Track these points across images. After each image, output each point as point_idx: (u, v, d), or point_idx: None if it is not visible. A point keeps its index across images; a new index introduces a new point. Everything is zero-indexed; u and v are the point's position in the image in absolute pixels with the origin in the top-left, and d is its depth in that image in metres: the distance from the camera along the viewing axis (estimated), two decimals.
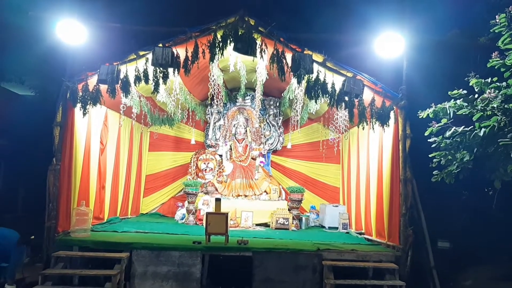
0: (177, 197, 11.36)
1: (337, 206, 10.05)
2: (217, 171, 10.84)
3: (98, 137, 8.40)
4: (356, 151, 9.45)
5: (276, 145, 11.39)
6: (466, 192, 8.32)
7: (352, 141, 9.89)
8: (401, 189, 6.86)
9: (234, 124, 11.25)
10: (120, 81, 6.84)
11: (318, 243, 7.31)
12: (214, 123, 11.38)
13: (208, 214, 7.01)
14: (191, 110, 10.40)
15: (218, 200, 7.16)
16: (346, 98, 6.81)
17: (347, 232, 9.23)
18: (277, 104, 11.32)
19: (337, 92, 6.82)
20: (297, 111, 8.08)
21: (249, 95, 11.07)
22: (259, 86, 7.86)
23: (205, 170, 10.91)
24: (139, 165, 11.03)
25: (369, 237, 8.18)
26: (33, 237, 7.26)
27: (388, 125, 6.92)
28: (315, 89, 6.73)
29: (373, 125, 7.05)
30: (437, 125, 5.94)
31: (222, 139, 11.21)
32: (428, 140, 5.99)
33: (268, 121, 11.40)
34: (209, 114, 11.41)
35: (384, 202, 7.48)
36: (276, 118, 11.44)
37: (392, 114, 6.96)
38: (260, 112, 11.11)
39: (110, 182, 9.11)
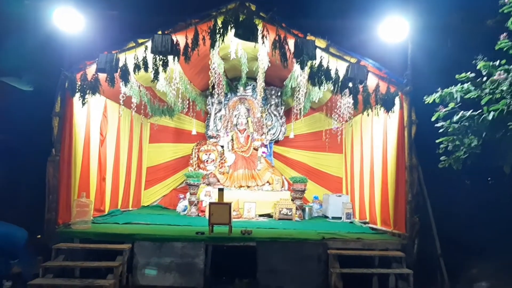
0: (178, 189, 11.24)
1: (340, 196, 9.96)
2: (219, 162, 10.71)
3: (97, 128, 8.27)
4: (360, 140, 9.32)
5: (278, 135, 11.24)
6: (468, 182, 8.18)
7: (355, 130, 9.75)
8: (407, 176, 6.75)
9: (236, 115, 11.09)
10: (119, 70, 6.70)
11: (322, 232, 7.20)
12: (215, 113, 11.22)
13: (211, 204, 6.89)
14: (191, 101, 10.23)
15: (221, 190, 7.04)
16: (350, 85, 6.68)
17: (351, 222, 9.16)
18: (279, 93, 11.14)
19: (340, 78, 6.68)
20: (299, 99, 7.92)
21: (250, 85, 10.93)
22: (261, 73, 7.69)
23: (207, 161, 10.77)
24: (140, 156, 10.91)
25: (374, 226, 8.09)
26: (39, 236, 7.15)
27: (393, 112, 6.79)
28: (318, 76, 6.60)
29: (377, 112, 6.91)
30: (444, 110, 5.81)
31: (223, 130, 11.06)
32: (436, 125, 5.86)
33: (269, 111, 11.23)
34: (209, 104, 11.25)
35: (389, 190, 7.37)
36: (278, 108, 11.27)
37: (397, 100, 6.84)
38: (261, 102, 10.93)
39: (110, 174, 9.00)
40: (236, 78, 10.74)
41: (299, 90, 7.94)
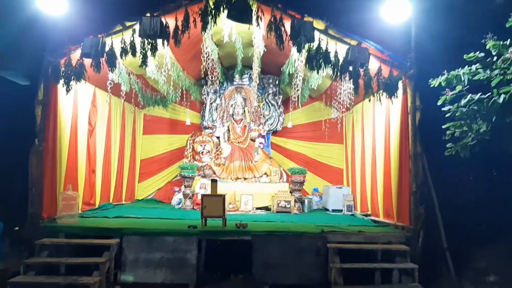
0: (173, 182, 10.89)
1: (341, 187, 9.67)
2: (215, 153, 10.39)
3: (86, 118, 7.91)
4: (361, 129, 8.97)
5: (276, 125, 10.94)
6: (472, 175, 7.83)
7: (356, 119, 9.40)
8: (411, 165, 6.41)
9: (232, 104, 10.78)
10: (105, 54, 6.34)
11: (322, 225, 6.88)
12: (211, 103, 10.87)
13: (203, 196, 6.54)
14: (185, 90, 9.84)
15: (214, 181, 6.70)
16: (351, 68, 6.31)
17: (352, 214, 8.86)
18: (276, 82, 10.79)
19: (340, 61, 6.30)
20: (297, 85, 7.54)
21: (247, 73, 10.52)
22: (256, 58, 7.31)
23: (202, 152, 10.44)
24: (133, 148, 10.58)
25: (376, 219, 7.77)
26: (17, 228, 6.80)
27: (396, 97, 6.42)
28: (316, 59, 6.22)
29: (380, 97, 6.54)
30: (451, 93, 5.46)
31: (219, 120, 10.70)
32: (443, 109, 5.50)
33: (267, 100, 10.91)
34: (205, 94, 10.91)
35: (392, 180, 7.03)
36: (276, 97, 10.94)
37: (400, 85, 6.47)
38: (258, 91, 10.61)
39: (101, 166, 8.66)
40: (232, 66, 10.33)
41: (297, 77, 7.56)
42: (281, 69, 8.56)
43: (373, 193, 8.12)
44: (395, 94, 6.38)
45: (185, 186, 9.29)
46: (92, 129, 8.15)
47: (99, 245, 6.03)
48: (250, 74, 10.26)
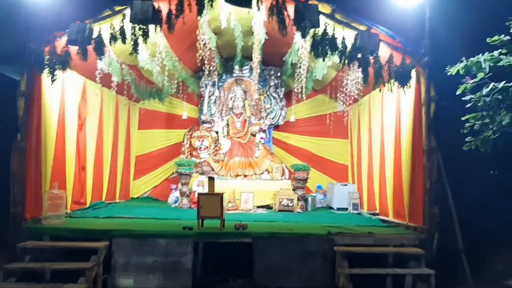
0: (170, 179, 10.42)
1: (346, 185, 9.30)
2: (213, 149, 9.94)
3: (75, 111, 7.42)
4: (368, 123, 8.52)
5: (278, 119, 10.51)
6: (492, 171, 7.31)
7: (362, 112, 8.95)
8: (425, 161, 5.92)
9: (231, 97, 10.33)
10: (92, 41, 5.84)
11: (328, 225, 6.42)
12: (209, 96, 10.39)
13: (200, 195, 6.05)
14: (181, 81, 9.33)
15: (211, 179, 6.21)
16: (359, 56, 5.80)
17: (359, 213, 8.48)
18: (278, 74, 10.35)
19: (348, 48, 5.79)
20: (301, 75, 7.04)
21: (247, 65, 9.99)
22: (256, 45, 6.79)
23: (200, 148, 9.98)
24: (127, 144, 10.11)
25: (385, 218, 7.31)
26: None
27: (409, 86, 5.92)
28: (322, 45, 5.73)
29: (391, 87, 6.03)
30: (472, 81, 4.94)
31: (218, 114, 10.25)
32: (463, 99, 5.00)
33: (268, 93, 10.46)
34: (203, 86, 10.44)
35: (404, 177, 6.55)
36: (278, 90, 10.49)
37: (413, 73, 5.96)
38: (259, 84, 10.23)
39: (92, 163, 8.17)
40: (231, 58, 9.80)
41: (300, 66, 7.06)
42: (283, 59, 8.05)
43: (382, 191, 7.65)
44: (408, 84, 5.87)
45: (182, 184, 8.89)
46: (82, 123, 7.66)
47: (86, 249, 5.55)
48: (251, 65, 9.78)
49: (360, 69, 5.98)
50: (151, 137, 10.68)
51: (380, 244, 5.75)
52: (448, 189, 6.22)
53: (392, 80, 5.94)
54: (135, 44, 5.79)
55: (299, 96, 8.05)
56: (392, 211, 7.11)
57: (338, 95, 8.12)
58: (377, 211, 7.92)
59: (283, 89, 10.52)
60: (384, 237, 5.83)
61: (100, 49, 5.88)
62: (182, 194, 8.81)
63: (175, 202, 9.11)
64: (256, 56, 6.90)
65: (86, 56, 5.84)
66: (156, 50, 6.75)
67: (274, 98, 10.48)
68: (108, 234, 5.72)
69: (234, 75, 10.42)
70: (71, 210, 7.24)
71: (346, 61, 5.83)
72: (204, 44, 7.26)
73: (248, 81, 10.35)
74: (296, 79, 7.66)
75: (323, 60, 5.97)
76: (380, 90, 6.11)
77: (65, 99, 6.98)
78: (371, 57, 5.79)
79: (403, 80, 5.89)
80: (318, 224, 6.70)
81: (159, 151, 10.70)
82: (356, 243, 5.73)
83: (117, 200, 9.51)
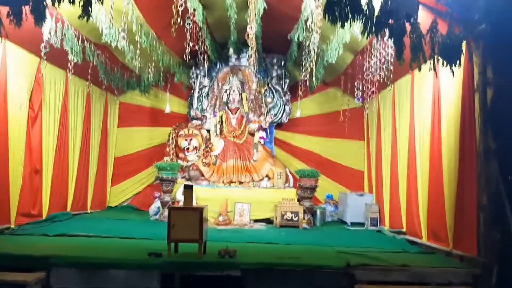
0: (154, 185, 9.10)
1: (362, 195, 8.25)
2: (203, 150, 8.66)
3: (24, 100, 5.96)
4: (391, 119, 7.14)
5: (281, 116, 9.40)
6: None
7: (383, 107, 7.62)
8: (480, 167, 4.43)
9: (226, 90, 9.19)
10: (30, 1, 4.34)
11: (345, 251, 5.00)
12: (200, 88, 9.18)
13: (171, 210, 4.52)
14: (162, 66, 7.83)
15: (188, 188, 4.70)
16: (391, 22, 4.24)
17: (379, 231, 7.20)
18: (282, 63, 9.27)
19: (376, 12, 4.25)
20: (310, 58, 5.54)
21: (245, 52, 8.62)
22: (253, 15, 5.24)
23: (187, 149, 8.74)
24: (104, 144, 8.84)
25: (416, 240, 5.87)
26: None
27: (460, 64, 4.37)
28: (340, 6, 4.16)
29: (433, 66, 4.49)
30: None
31: (210, 110, 9.06)
32: None
33: (270, 85, 9.32)
34: (193, 77, 9.27)
35: (446, 187, 5.10)
36: (281, 82, 9.38)
37: (463, 48, 4.43)
38: (259, 74, 9.01)
39: (50, 165, 6.76)
40: (226, 42, 8.38)
41: (309, 45, 5.57)
42: (289, 37, 6.54)
43: (411, 204, 6.22)
44: (458, 61, 4.32)
45: (164, 192, 7.60)
46: (35, 115, 6.21)
47: (11, 284, 4.01)
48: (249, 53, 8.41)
49: (390, 43, 4.46)
50: (133, 136, 9.56)
51: (418, 281, 4.19)
52: (508, 206, 4.63)
53: (436, 57, 4.39)
54: (87, 3, 4.28)
55: (307, 84, 6.61)
56: (426, 232, 5.65)
57: (356, 83, 6.63)
58: (403, 229, 6.49)
59: (287, 81, 9.44)
60: (423, 271, 4.26)
61: (39, 12, 4.34)
62: (164, 204, 7.47)
63: (156, 213, 7.78)
64: (253, 27, 5.33)
65: (20, 20, 4.32)
66: (122, 21, 5.24)
67: (277, 91, 9.37)
68: (45, 262, 4.27)
69: (230, 63, 9.33)
70: (17, 225, 5.83)
71: (373, 29, 4.26)
72: (188, 17, 5.77)
73: (246, 71, 9.16)
74: (303, 65, 6.20)
75: (342, 26, 4.42)
76: (420, 69, 4.59)
77: (8, 84, 5.51)
78: (407, 24, 4.24)
79: (451, 56, 4.34)
80: (330, 248, 5.33)
81: (142, 153, 9.57)
82: (386, 279, 4.18)
83: (89, 210, 8.19)
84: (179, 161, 8.51)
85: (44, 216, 6.58)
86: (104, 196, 8.93)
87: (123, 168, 9.40)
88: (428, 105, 5.58)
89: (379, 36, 4.45)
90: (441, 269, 4.35)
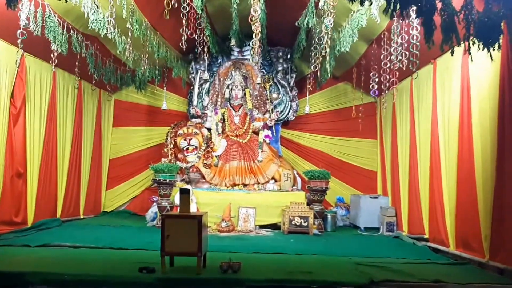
0: (152, 189, 8.64)
1: (376, 197, 7.78)
2: (204, 150, 8.13)
3: (4, 96, 5.43)
4: (409, 114, 6.57)
5: (288, 113, 8.90)
6: None
7: (400, 101, 7.02)
8: None
9: (228, 85, 8.71)
10: None
11: (364, 263, 4.36)
12: (200, 84, 8.67)
13: (165, 218, 3.93)
14: (157, 58, 7.32)
15: (184, 193, 4.12)
16: None
17: (396, 237, 6.66)
18: (288, 56, 8.76)
19: None
20: (320, 42, 4.97)
21: (248, 45, 8.04)
22: None
23: (187, 149, 8.22)
24: (97, 144, 8.34)
25: (441, 248, 5.32)
26: None
27: (499, 46, 3.77)
28: None
29: (469, 49, 3.90)
30: None
31: (211, 107, 8.57)
32: None
33: (276, 80, 8.81)
34: (193, 72, 8.76)
35: (479, 190, 4.51)
36: (287, 76, 8.85)
37: (502, 28, 3.86)
38: (264, 68, 8.53)
39: (35, 168, 6.23)
40: (228, 35, 7.82)
41: (319, 32, 4.99)
42: (297, 24, 5.97)
43: (434, 208, 5.62)
44: (498, 43, 3.72)
45: (161, 196, 7.05)
46: (17, 113, 5.67)
47: None
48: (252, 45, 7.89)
49: (415, 23, 3.86)
50: (129, 136, 9.16)
51: None
52: None
53: (471, 38, 3.79)
54: None
55: (316, 82, 6.11)
56: (454, 239, 5.04)
57: (371, 74, 6.03)
58: (426, 235, 5.90)
59: (294, 75, 8.94)
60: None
61: None
62: (162, 209, 6.91)
63: (153, 219, 7.25)
64: (257, 10, 4.73)
65: None
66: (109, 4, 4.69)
67: (283, 86, 8.84)
68: (21, 279, 3.72)
69: (232, 57, 8.88)
70: (1, 233, 5.32)
71: (398, 7, 3.68)
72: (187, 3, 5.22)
73: (249, 65, 8.67)
74: (313, 55, 5.62)
75: (361, 4, 3.82)
76: (452, 53, 4.01)
77: None
78: (437, 1, 3.65)
79: (488, 38, 3.74)
80: (346, 259, 4.74)
81: (139, 153, 9.15)
82: None
83: (81, 216, 7.69)
84: (178, 162, 8.00)
85: (29, 223, 6.06)
86: (98, 200, 8.45)
87: (119, 170, 9.00)
88: (455, 96, 5.02)
89: (404, 15, 3.86)
90: (479, 285, 3.76)
